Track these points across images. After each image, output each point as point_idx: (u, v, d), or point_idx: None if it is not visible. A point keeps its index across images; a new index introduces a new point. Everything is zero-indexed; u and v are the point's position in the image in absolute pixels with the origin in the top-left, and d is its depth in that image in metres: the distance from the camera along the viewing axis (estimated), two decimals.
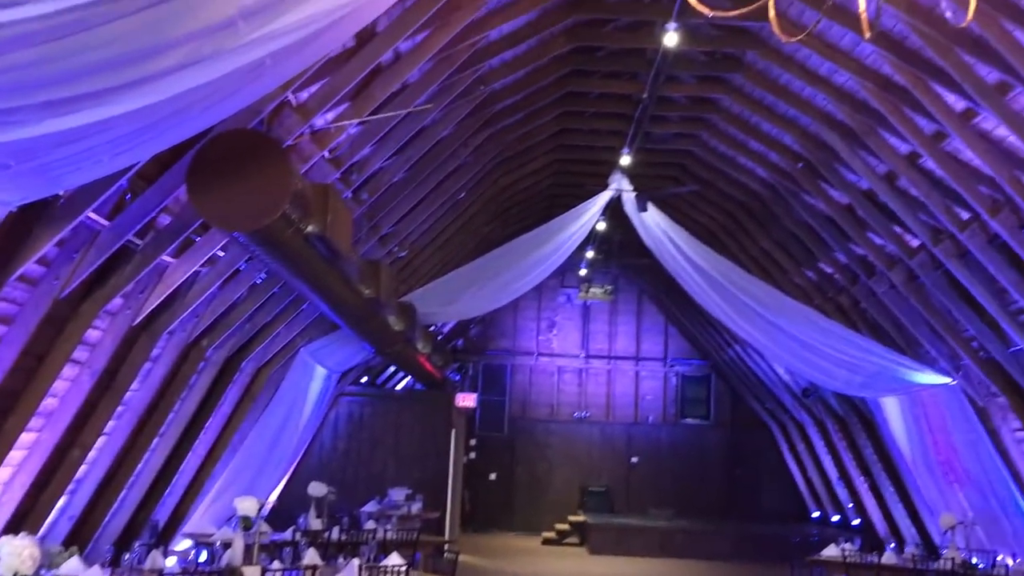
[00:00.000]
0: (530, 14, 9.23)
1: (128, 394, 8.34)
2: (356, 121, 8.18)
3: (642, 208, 12.16)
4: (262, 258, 6.88)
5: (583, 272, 18.64)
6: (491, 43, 9.27)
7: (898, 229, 10.64)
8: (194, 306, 8.47)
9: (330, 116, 7.95)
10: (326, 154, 8.32)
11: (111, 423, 8.34)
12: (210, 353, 9.75)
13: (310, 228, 6.45)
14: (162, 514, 10.36)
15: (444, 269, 14.63)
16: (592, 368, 22.91)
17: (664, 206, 13.10)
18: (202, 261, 7.87)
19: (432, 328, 15.42)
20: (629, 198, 12.20)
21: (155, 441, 9.43)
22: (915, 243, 10.55)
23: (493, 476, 21.87)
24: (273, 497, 13.15)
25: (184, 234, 7.22)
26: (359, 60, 7.42)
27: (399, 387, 19.57)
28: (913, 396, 12.23)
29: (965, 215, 9.32)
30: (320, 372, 12.89)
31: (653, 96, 10.39)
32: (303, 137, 7.69)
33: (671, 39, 8.68)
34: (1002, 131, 8.05)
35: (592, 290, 19.28)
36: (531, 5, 8.97)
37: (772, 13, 3.61)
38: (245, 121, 6.48)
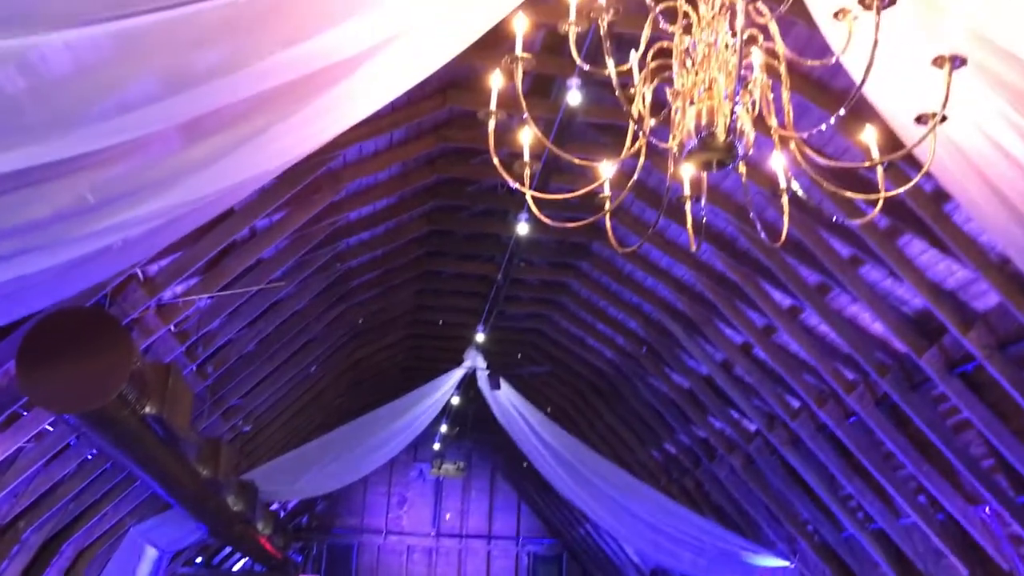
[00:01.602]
0: (390, 198, 9.49)
1: None
2: (206, 296, 8.05)
3: (495, 386, 12.32)
4: (92, 438, 6.51)
5: (437, 446, 18.42)
6: (350, 223, 9.43)
7: (736, 414, 11.12)
8: (13, 484, 7.86)
9: (179, 290, 7.80)
10: (171, 328, 8.10)
11: None
12: (27, 535, 8.98)
13: (147, 409, 6.17)
14: None
15: (291, 443, 14.17)
16: (443, 547, 22.24)
17: (517, 382, 13.29)
18: (28, 437, 7.38)
19: (275, 505, 14.75)
20: (483, 375, 12.36)
21: None
22: (752, 428, 11.02)
23: None
24: None
25: (10, 409, 6.79)
26: (214, 236, 7.37)
27: (237, 567, 18.38)
28: None
29: (796, 403, 9.87)
30: (151, 553, 12.01)
31: (507, 278, 10.75)
32: (148, 311, 7.49)
33: (522, 228, 9.17)
34: (824, 327, 8.70)
35: (445, 467, 19.07)
36: (390, 190, 9.23)
37: (608, 224, 3.86)
38: (87, 296, 6.28)
